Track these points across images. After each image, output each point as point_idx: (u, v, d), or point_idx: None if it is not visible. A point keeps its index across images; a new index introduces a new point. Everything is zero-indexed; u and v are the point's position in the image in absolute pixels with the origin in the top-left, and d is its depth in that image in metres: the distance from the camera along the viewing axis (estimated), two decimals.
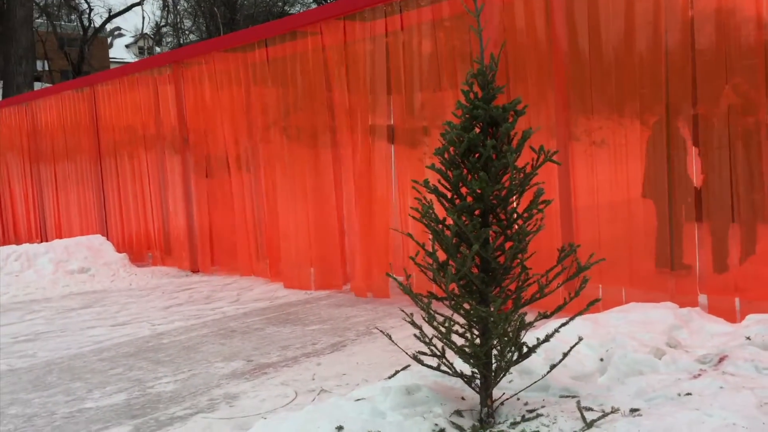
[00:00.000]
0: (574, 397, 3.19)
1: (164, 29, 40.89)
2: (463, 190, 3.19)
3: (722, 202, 5.19)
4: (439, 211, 3.22)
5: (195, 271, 9.72)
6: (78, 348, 5.97)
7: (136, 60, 19.72)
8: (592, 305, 3.10)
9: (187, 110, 9.62)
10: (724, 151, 5.17)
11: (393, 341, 3.50)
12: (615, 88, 5.64)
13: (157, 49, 41.86)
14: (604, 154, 5.81)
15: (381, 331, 3.99)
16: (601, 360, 3.76)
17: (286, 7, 34.58)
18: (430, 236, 3.21)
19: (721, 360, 3.32)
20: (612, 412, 2.85)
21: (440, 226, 3.18)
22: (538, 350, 3.17)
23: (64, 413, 4.36)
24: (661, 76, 5.36)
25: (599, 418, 2.77)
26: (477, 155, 3.12)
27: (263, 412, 4.15)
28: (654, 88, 5.41)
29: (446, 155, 3.18)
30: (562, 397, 3.25)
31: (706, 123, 5.24)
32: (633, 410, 2.88)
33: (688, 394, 2.92)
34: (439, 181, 3.21)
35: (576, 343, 3.22)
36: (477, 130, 3.16)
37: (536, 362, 3.52)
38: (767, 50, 4.92)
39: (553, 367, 3.23)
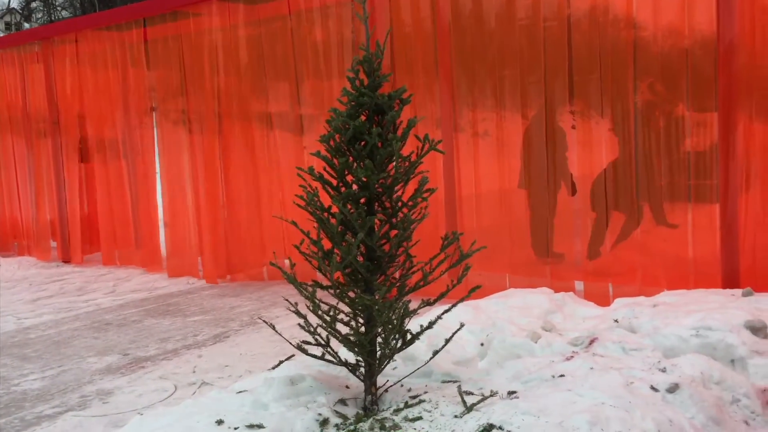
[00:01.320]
0: (455, 381, 3.25)
1: (34, 4, 38.35)
2: (349, 178, 3.17)
3: (598, 191, 5.46)
4: (324, 200, 3.18)
5: (66, 261, 9.18)
6: None
7: (1, 35, 18.38)
8: (474, 291, 3.17)
9: (57, 91, 9.03)
10: (599, 144, 5.44)
11: (277, 331, 3.44)
12: (498, 80, 5.80)
13: (26, 25, 39.19)
14: (487, 145, 5.97)
15: (264, 321, 3.91)
16: (482, 345, 3.86)
17: None
18: (315, 224, 3.17)
19: (591, 342, 3.49)
20: (491, 395, 2.92)
21: (325, 214, 3.15)
22: (422, 337, 3.20)
23: None
24: (541, 71, 5.57)
25: (479, 402, 2.84)
26: (363, 143, 3.10)
27: (139, 407, 3.98)
28: (535, 84, 5.61)
29: (332, 142, 3.14)
30: (444, 382, 3.31)
31: (582, 115, 5.50)
32: (510, 393, 2.97)
33: (562, 375, 3.04)
34: (324, 169, 3.17)
35: (457, 330, 3.27)
36: (363, 117, 3.14)
37: (420, 349, 3.57)
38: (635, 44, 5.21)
39: (435, 353, 3.28)
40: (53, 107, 9.09)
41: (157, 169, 8.26)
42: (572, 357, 3.27)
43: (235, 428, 2.78)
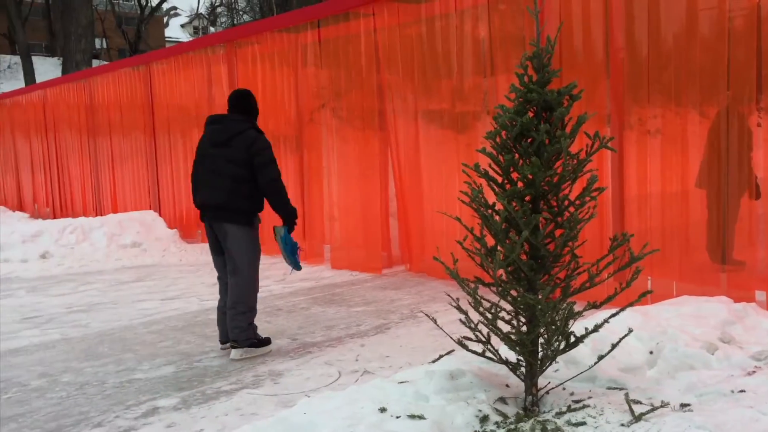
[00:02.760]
0: (621, 389, 3.13)
1: (219, 9, 41.34)
2: (514, 175, 3.14)
3: None
4: (489, 196, 3.18)
5: None
6: (129, 320, 6.12)
7: (191, 39, 19.97)
8: (644, 296, 3.03)
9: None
10: None
11: (438, 325, 3.49)
12: (673, 75, 5.47)
13: (212, 29, 42.37)
14: (659, 143, 5.65)
15: (426, 314, 3.97)
16: (651, 353, 3.68)
17: None
18: (479, 221, 3.17)
19: None
20: (662, 406, 2.78)
21: (489, 211, 3.14)
22: (586, 341, 3.11)
23: (115, 383, 4.48)
24: (724, 65, 5.17)
25: (648, 412, 2.71)
26: (530, 140, 3.06)
27: (307, 390, 4.19)
28: (715, 77, 5.23)
29: (498, 139, 3.12)
30: (609, 388, 3.19)
31: None
32: (683, 405, 2.81)
33: (742, 391, 2.83)
34: (489, 166, 3.16)
35: (626, 335, 3.15)
36: (530, 114, 3.10)
37: (583, 352, 3.47)
38: None
39: (601, 357, 3.17)
40: None
41: (327, 165, 8.61)
42: (754, 372, 3.03)
43: (397, 417, 2.86)
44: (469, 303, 3.11)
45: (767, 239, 5.17)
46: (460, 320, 3.21)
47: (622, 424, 2.68)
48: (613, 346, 3.15)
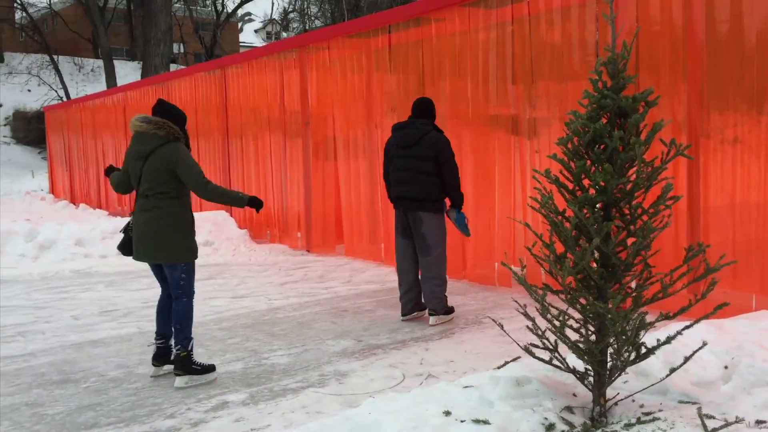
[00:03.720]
0: (694, 403, 3.05)
1: (291, 15, 42.10)
2: (585, 182, 3.10)
3: None
4: (559, 203, 3.15)
5: (309, 250, 10.01)
6: (201, 317, 6.29)
7: (264, 44, 20.37)
8: (720, 309, 2.94)
9: (311, 94, 9.86)
10: None
11: (505, 331, 3.48)
12: (756, 81, 5.27)
13: (284, 35, 43.18)
14: (738, 152, 5.46)
15: (493, 320, 3.96)
16: (726, 368, 3.56)
17: None
18: (548, 227, 3.15)
19: None
20: (736, 421, 2.70)
21: (559, 217, 3.11)
22: (657, 352, 3.05)
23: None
24: None
25: (721, 427, 2.64)
26: (602, 146, 3.02)
27: (371, 391, 4.23)
28: None
29: (569, 145, 3.10)
30: (681, 402, 3.11)
31: None
32: (759, 422, 2.72)
33: None
34: (561, 172, 3.14)
35: (700, 347, 3.06)
36: (604, 120, 3.05)
37: (654, 364, 3.39)
38: None
39: (673, 370, 3.09)
40: (305, 109, 9.94)
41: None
42: None
43: (462, 421, 2.86)
44: (537, 310, 3.09)
45: None
46: (527, 327, 3.19)
47: None
48: (686, 359, 3.07)
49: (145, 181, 4.43)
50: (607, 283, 3.00)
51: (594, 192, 3.04)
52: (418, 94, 8.05)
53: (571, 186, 3.13)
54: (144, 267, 8.47)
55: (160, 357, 4.64)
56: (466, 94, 7.52)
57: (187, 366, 4.44)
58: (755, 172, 5.36)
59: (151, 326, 4.91)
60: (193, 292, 4.53)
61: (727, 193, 5.53)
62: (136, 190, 4.57)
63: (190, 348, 4.46)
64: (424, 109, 5.92)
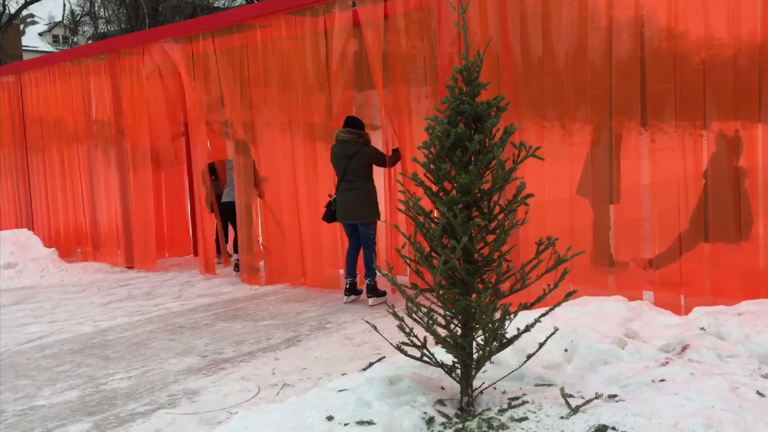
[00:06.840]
0: (549, 385, 3.30)
1: (82, 18, 39.29)
2: (447, 184, 3.24)
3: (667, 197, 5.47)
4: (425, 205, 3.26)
5: (130, 267, 9.42)
6: (17, 345, 5.70)
7: (59, 49, 18.85)
8: (570, 296, 3.21)
9: (125, 101, 9.28)
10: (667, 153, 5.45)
11: (378, 331, 3.54)
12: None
13: (74, 38, 40.20)
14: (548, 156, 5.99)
15: (367, 322, 3.93)
16: (566, 351, 3.89)
17: (210, 0, 33.73)
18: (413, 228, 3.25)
19: (684, 349, 3.50)
20: (595, 397, 2.96)
21: (423, 218, 3.22)
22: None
23: (15, 411, 4.17)
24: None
25: (584, 404, 2.88)
26: (459, 150, 3.18)
27: (227, 407, 4.09)
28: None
29: (433, 149, 3.22)
30: (537, 385, 3.36)
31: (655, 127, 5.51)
32: (611, 396, 3.01)
33: (662, 380, 3.07)
34: (425, 174, 3.25)
35: (552, 333, 3.33)
36: (461, 124, 3.21)
37: (506, 353, 3.61)
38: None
39: (529, 356, 3.33)
40: (119, 117, 9.34)
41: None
42: (667, 363, 3.29)
43: (345, 424, 2.87)
44: (388, 311, 3.18)
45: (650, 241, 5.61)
46: (398, 326, 3.26)
47: (562, 417, 2.83)
48: (541, 345, 3.31)
49: (349, 171, 6.46)
50: (473, 278, 3.16)
51: (456, 193, 3.18)
52: (242, 99, 7.92)
53: (435, 188, 3.26)
54: None
55: (351, 291, 6.70)
56: (291, 101, 7.52)
57: (375, 291, 6.58)
58: (561, 172, 5.91)
59: None
60: (376, 242, 6.64)
61: (541, 192, 6.03)
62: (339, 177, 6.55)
63: (375, 278, 6.55)
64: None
